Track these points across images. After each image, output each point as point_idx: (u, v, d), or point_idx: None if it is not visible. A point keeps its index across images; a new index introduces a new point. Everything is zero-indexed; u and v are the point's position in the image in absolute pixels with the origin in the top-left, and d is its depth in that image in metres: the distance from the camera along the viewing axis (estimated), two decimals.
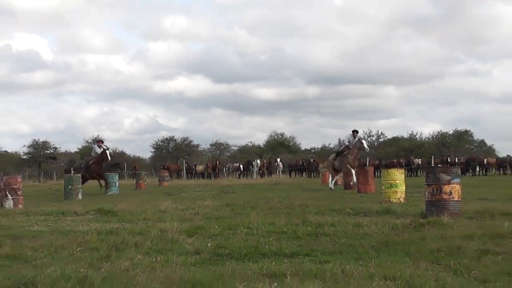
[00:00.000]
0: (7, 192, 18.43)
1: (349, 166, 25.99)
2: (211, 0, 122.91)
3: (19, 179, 19.41)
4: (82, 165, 29.70)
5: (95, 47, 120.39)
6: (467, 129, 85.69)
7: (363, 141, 28.00)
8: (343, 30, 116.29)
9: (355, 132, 27.66)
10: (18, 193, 18.64)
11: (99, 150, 29.30)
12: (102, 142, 32.20)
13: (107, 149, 30.33)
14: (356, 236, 9.41)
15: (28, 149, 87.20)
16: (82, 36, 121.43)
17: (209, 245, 8.72)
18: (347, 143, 27.54)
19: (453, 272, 6.55)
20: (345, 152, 26.61)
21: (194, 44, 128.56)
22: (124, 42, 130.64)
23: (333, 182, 26.93)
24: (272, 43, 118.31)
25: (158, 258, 7.72)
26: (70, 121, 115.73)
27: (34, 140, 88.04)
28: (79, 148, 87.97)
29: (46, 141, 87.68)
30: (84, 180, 27.04)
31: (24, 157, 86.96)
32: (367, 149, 28.69)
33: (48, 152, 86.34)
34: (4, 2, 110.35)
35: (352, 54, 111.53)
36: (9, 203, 18.08)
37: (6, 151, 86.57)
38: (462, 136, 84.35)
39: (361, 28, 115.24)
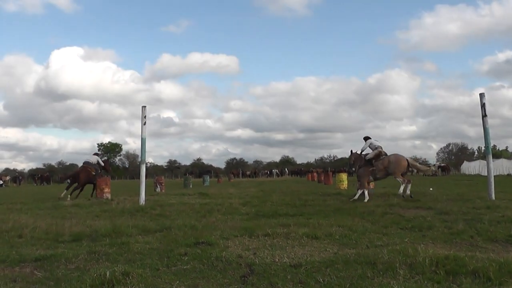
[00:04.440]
0: (156, 184, 18.63)
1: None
2: (251, 91, 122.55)
3: (162, 178, 19.66)
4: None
5: (198, 115, 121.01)
6: None
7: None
8: (315, 106, 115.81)
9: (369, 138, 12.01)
10: (162, 184, 18.80)
11: (97, 160, 14.62)
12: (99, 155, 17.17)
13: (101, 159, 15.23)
14: (324, 205, 9.28)
15: (166, 163, 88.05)
16: (192, 111, 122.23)
17: (253, 210, 8.65)
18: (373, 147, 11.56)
19: (371, 223, 6.41)
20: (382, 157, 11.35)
21: (245, 113, 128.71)
22: (212, 113, 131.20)
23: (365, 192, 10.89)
24: (281, 112, 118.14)
25: (228, 216, 7.71)
26: (186, 150, 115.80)
27: (170, 159, 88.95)
28: (190, 163, 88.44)
29: (175, 160, 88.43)
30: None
31: (165, 167, 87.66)
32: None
33: (176, 165, 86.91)
34: (156, 95, 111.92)
35: (320, 118, 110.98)
36: (158, 189, 18.25)
37: (156, 164, 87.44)
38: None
39: (323, 105, 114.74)
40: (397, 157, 10.78)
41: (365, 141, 11.45)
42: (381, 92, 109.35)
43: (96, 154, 15.61)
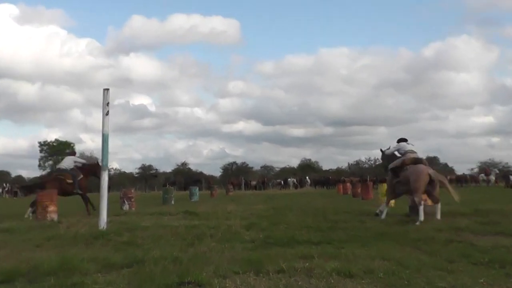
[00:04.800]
0: (124, 200, 18.70)
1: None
2: (257, 68, 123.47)
3: (132, 190, 19.72)
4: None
5: (184, 103, 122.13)
6: (435, 156, 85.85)
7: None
8: (347, 90, 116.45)
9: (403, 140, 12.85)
10: (132, 200, 18.87)
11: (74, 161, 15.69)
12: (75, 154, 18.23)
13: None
14: (361, 229, 9.24)
15: (139, 170, 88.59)
16: (176, 95, 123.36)
17: (260, 236, 8.62)
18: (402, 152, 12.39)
19: (429, 255, 6.37)
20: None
21: (249, 100, 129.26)
22: (202, 99, 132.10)
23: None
24: (300, 98, 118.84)
25: (226, 245, 7.67)
26: (167, 151, 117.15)
27: (143, 164, 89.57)
28: (172, 169, 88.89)
29: (150, 165, 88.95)
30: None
31: (136, 175, 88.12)
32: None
33: (152, 172, 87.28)
34: (125, 75, 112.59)
35: (354, 105, 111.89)
36: (126, 207, 18.31)
37: (124, 172, 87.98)
38: (432, 160, 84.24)
39: (359, 88, 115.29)
40: (417, 169, 11.09)
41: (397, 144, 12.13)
42: (441, 68, 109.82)
43: (71, 153, 16.59)
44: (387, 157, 12.38)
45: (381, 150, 12.67)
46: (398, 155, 11.91)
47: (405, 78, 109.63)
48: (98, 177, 13.10)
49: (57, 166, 14.85)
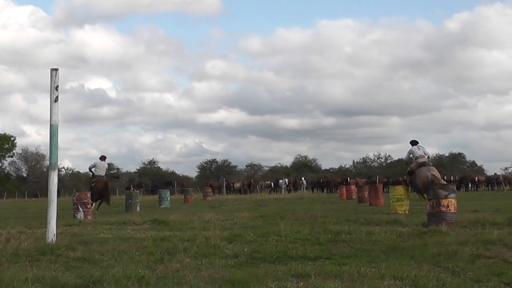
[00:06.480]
0: (78, 206, 18.59)
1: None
2: (242, 44, 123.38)
3: (88, 195, 19.58)
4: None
5: (151, 87, 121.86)
6: (460, 152, 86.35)
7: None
8: (353, 71, 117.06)
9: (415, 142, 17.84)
10: (88, 206, 18.79)
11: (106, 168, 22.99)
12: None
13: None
14: (369, 242, 9.28)
15: None
16: (141, 78, 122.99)
17: (245, 250, 8.64)
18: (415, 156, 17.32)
19: (451, 273, 6.42)
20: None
21: (232, 83, 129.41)
22: (174, 82, 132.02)
23: None
24: (295, 82, 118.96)
25: (203, 261, 7.67)
26: (131, 146, 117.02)
27: None
28: (137, 169, 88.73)
29: (110, 163, 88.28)
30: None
31: None
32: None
33: (112, 172, 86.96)
34: (78, 52, 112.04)
35: (361, 91, 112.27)
36: (80, 215, 18.22)
37: (78, 172, 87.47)
38: (456, 158, 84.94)
39: (367, 70, 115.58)
40: (419, 173, 14.39)
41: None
42: (469, 45, 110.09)
43: (103, 157, 20.88)
44: (407, 164, 15.25)
45: (406, 162, 15.67)
46: (413, 158, 14.51)
47: (424, 57, 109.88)
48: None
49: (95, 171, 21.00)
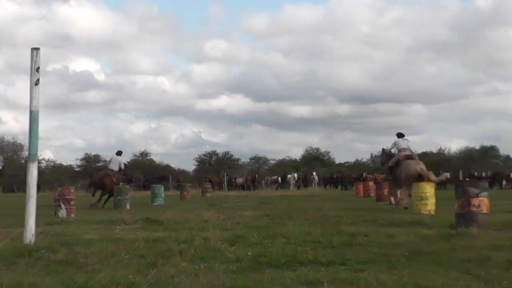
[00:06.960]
0: (60, 202, 18.61)
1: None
2: (248, 26, 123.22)
3: (72, 190, 19.59)
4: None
5: (144, 69, 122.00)
6: (493, 145, 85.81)
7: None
8: (371, 53, 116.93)
9: (400, 135, 19.88)
10: (71, 203, 18.78)
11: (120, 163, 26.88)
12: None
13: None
14: (389, 246, 9.27)
15: (81, 162, 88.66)
16: (133, 59, 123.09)
17: (249, 253, 8.64)
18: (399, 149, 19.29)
19: (483, 282, 6.40)
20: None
21: (234, 66, 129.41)
22: (170, 64, 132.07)
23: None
24: (305, 65, 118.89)
25: (202, 265, 7.69)
26: (121, 136, 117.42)
27: (87, 153, 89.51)
28: (127, 161, 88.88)
29: (97, 155, 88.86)
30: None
31: (77, 169, 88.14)
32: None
33: (100, 165, 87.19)
34: (62, 30, 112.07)
35: (380, 75, 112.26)
36: (62, 212, 18.23)
37: (60, 164, 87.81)
38: (488, 152, 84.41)
39: (387, 52, 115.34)
40: (406, 164, 16.91)
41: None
42: (502, 24, 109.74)
43: (119, 152, 24.01)
44: (388, 155, 16.86)
45: (383, 149, 17.17)
46: (394, 152, 16.10)
47: (451, 37, 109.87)
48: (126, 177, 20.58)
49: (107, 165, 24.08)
